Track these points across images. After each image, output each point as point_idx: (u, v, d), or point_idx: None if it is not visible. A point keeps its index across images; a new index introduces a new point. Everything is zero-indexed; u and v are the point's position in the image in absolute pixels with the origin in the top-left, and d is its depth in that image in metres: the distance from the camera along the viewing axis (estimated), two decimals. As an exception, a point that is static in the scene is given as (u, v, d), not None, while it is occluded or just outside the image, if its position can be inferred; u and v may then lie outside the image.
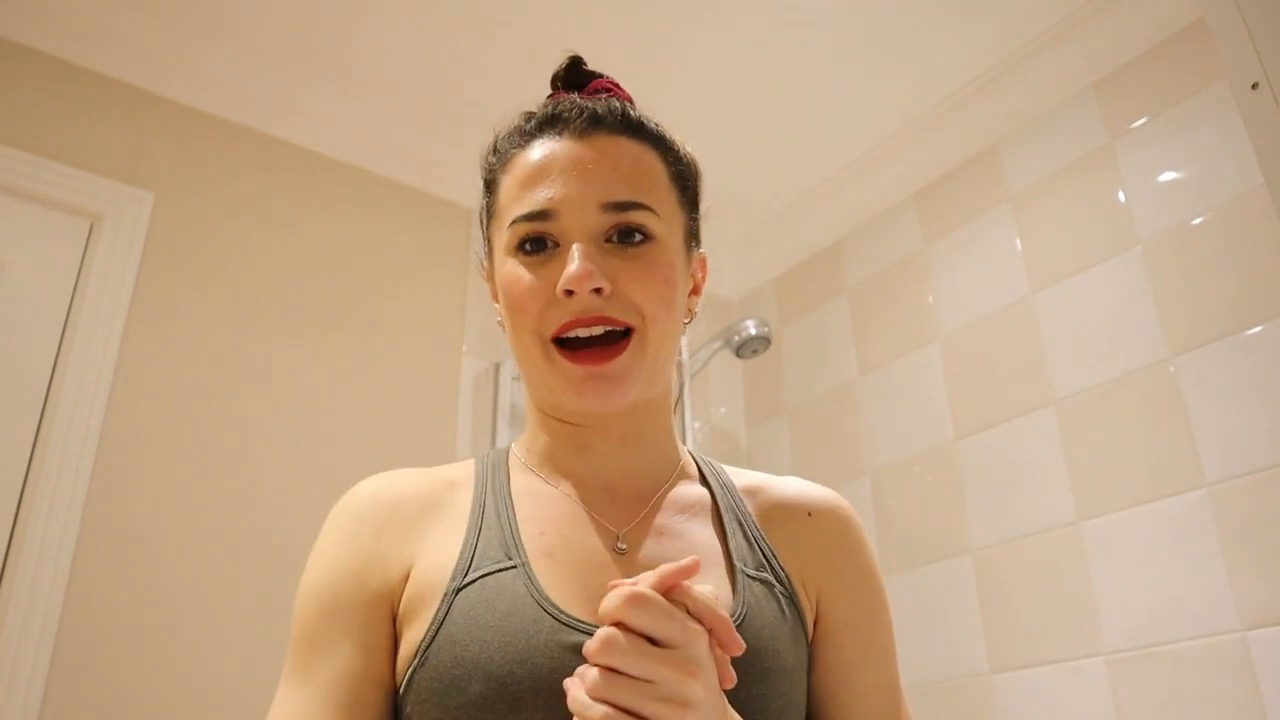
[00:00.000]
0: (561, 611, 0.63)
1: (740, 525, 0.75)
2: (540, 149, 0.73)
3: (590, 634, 0.61)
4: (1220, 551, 1.60)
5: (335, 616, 0.66)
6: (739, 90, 2.18)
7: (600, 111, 0.74)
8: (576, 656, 0.60)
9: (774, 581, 0.71)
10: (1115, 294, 1.86)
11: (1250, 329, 1.65)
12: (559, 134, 0.73)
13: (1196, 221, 1.77)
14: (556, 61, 0.82)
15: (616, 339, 0.69)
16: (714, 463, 0.82)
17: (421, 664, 0.62)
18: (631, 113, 0.76)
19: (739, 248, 2.74)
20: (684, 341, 2.27)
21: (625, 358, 0.69)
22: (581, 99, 0.76)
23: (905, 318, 2.30)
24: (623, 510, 0.73)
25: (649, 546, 0.70)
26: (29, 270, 1.74)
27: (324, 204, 2.15)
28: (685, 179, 0.78)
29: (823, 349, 2.51)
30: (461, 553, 0.67)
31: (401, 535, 0.69)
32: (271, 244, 2.03)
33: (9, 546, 1.57)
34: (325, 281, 2.08)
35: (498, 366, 2.24)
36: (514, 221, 0.71)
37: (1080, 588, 1.78)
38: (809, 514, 0.77)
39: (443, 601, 0.64)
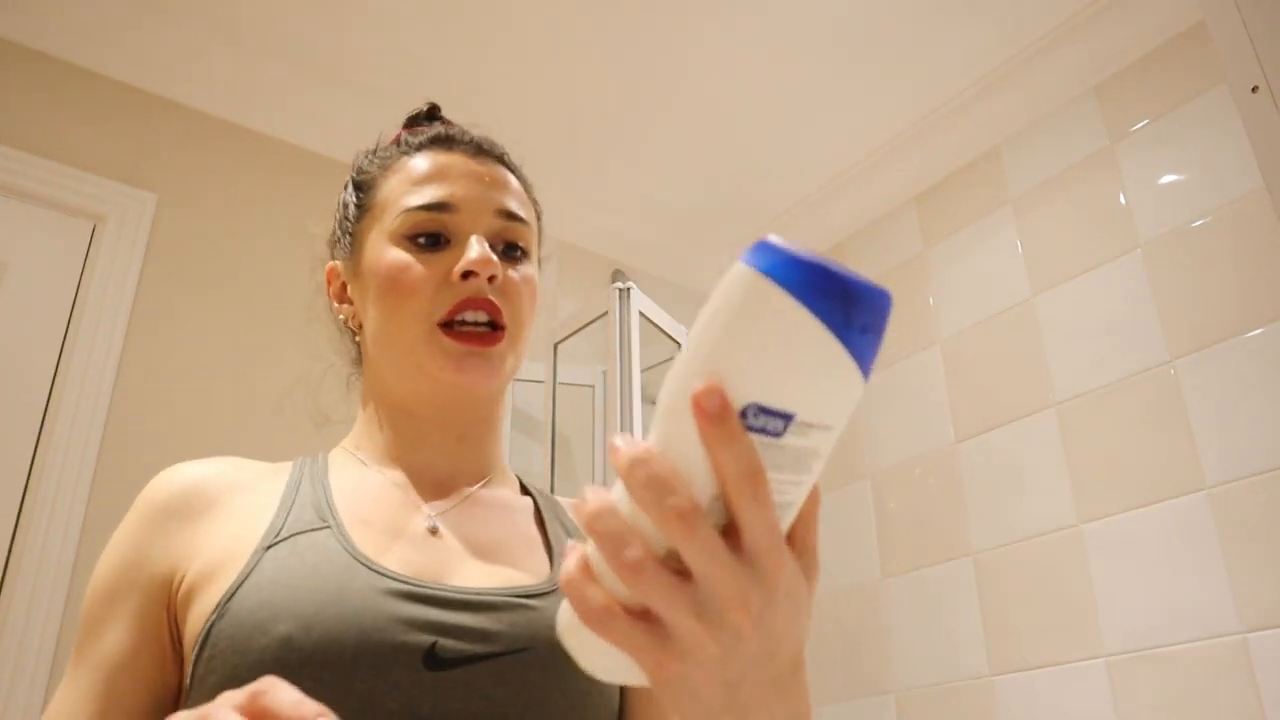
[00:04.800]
0: (374, 562, 0.63)
1: (561, 523, 0.77)
2: (434, 157, 0.77)
3: (409, 585, 0.61)
4: (1221, 554, 1.60)
5: (112, 603, 0.67)
6: (741, 93, 2.18)
7: (484, 145, 0.80)
8: (393, 600, 0.61)
9: None
10: (1116, 296, 1.86)
11: (1251, 331, 1.65)
12: (450, 149, 0.78)
13: (1197, 224, 1.77)
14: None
15: (493, 329, 0.73)
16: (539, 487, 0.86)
17: (220, 618, 0.60)
18: (507, 152, 0.82)
19: (740, 249, 2.75)
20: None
21: (503, 345, 0.72)
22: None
23: (906, 320, 2.30)
24: (444, 500, 0.74)
25: (461, 527, 0.71)
26: (32, 271, 1.74)
27: (326, 205, 2.14)
28: (539, 219, 0.84)
29: (824, 351, 2.51)
30: (273, 520, 0.66)
31: (198, 515, 0.68)
32: (274, 245, 2.04)
33: (11, 546, 1.57)
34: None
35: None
36: (410, 209, 0.74)
37: (1081, 590, 1.78)
38: None
39: (250, 560, 0.63)
